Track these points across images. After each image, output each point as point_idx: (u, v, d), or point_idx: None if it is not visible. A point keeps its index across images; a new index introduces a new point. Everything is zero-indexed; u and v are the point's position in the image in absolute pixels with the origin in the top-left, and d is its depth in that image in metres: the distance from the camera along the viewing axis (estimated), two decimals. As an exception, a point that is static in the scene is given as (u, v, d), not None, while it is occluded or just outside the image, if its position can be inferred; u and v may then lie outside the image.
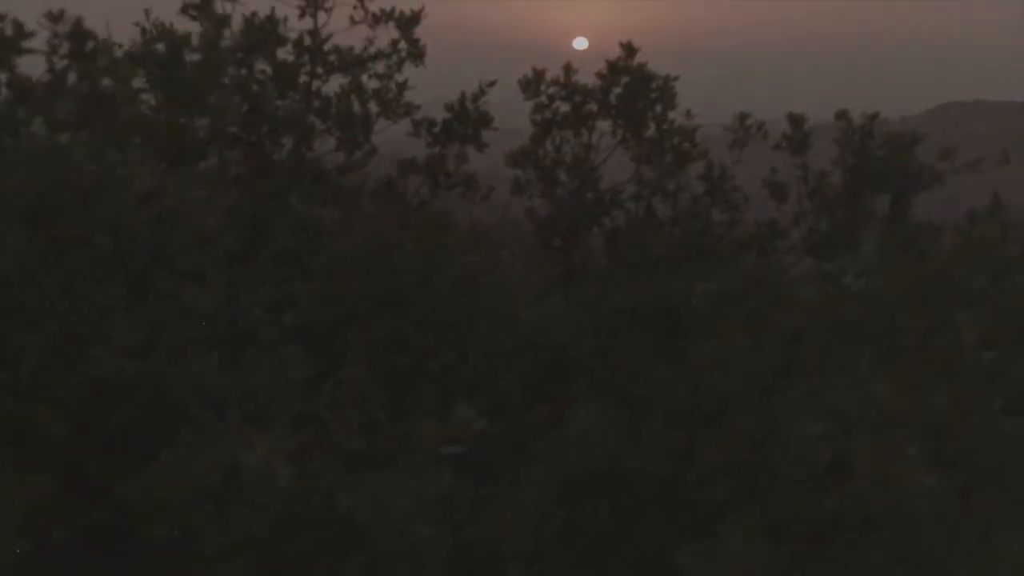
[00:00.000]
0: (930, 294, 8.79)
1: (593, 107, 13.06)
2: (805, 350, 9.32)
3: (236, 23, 12.02)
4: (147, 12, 11.30)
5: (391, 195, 12.96)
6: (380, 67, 13.16)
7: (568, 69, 13.21)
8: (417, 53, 13.33)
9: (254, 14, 12.19)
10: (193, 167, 10.82)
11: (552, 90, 13.13)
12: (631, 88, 12.85)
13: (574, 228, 12.69)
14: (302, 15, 12.57)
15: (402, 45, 13.24)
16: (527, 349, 10.93)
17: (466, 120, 12.98)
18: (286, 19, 12.32)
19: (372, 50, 13.10)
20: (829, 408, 8.27)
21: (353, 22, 12.70)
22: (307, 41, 12.44)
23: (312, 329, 10.30)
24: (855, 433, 8.06)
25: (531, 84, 13.18)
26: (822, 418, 8.19)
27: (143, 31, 10.92)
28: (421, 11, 13.12)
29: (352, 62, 13.04)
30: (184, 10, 11.97)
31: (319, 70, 12.63)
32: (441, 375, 10.41)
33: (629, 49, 12.97)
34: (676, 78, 13.06)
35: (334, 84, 13.15)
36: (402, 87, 13.31)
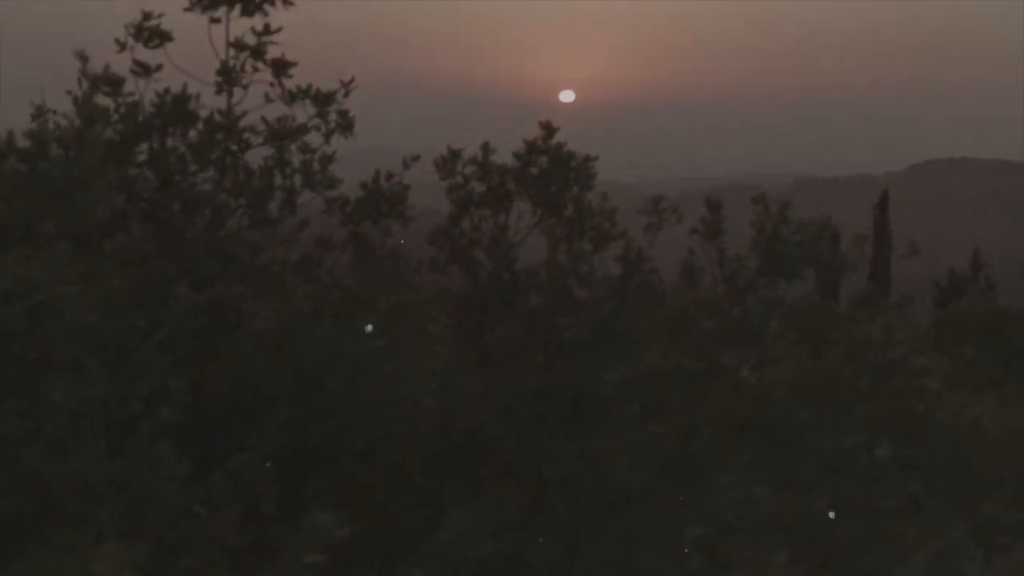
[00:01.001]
0: (819, 394, 8.69)
1: (511, 186, 12.98)
2: (698, 446, 9.21)
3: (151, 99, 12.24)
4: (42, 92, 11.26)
5: (308, 272, 12.86)
6: (311, 139, 13.11)
7: (486, 149, 13.14)
8: (347, 124, 13.25)
9: (167, 90, 12.18)
10: (95, 248, 10.81)
11: (468, 169, 13.06)
12: (549, 168, 12.79)
13: (490, 308, 12.58)
14: (219, 91, 12.51)
15: (332, 117, 13.20)
16: (431, 436, 10.82)
17: (379, 199, 12.88)
18: (199, 96, 12.28)
19: (299, 123, 13.05)
20: (708, 511, 8.15)
21: (268, 99, 12.56)
22: (219, 118, 12.30)
23: (203, 416, 10.16)
24: (732, 536, 7.94)
25: (447, 163, 13.09)
26: (700, 521, 8.08)
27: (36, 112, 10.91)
28: (350, 82, 13.11)
29: (278, 135, 12.98)
30: (96, 88, 11.99)
31: (233, 147, 12.54)
32: (336, 466, 10.27)
33: (548, 129, 12.92)
34: (596, 158, 12.99)
35: (257, 157, 13.11)
36: (327, 159, 13.25)
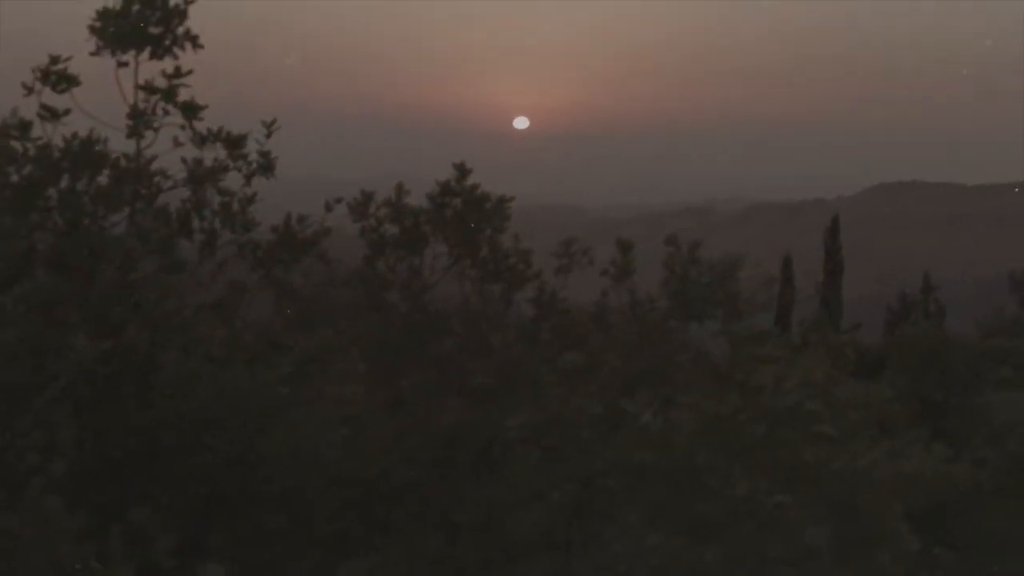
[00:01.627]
0: (718, 440, 8.67)
1: (426, 228, 12.94)
2: (596, 493, 9.17)
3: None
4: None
5: (223, 316, 12.74)
6: (233, 181, 13.03)
7: (399, 190, 13.11)
8: (268, 166, 13.20)
9: (75, 135, 12.06)
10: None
11: (382, 212, 13.02)
12: (463, 210, 12.76)
13: (404, 352, 12.51)
14: (130, 135, 12.40)
15: (253, 157, 13.14)
16: (338, 483, 10.73)
17: (291, 243, 12.79)
18: (106, 139, 12.17)
19: (217, 164, 12.97)
20: (601, 561, 8.11)
21: (177, 143, 12.46)
22: (124, 163, 12.19)
23: (103, 467, 10.04)
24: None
25: (359, 206, 13.03)
26: (593, 572, 8.03)
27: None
28: (272, 123, 13.07)
29: (195, 177, 12.90)
30: (4, 132, 11.88)
31: (144, 190, 12.43)
32: (240, 515, 10.16)
33: (461, 170, 12.91)
34: (511, 199, 12.97)
35: (175, 199, 13.01)
36: (248, 201, 13.17)
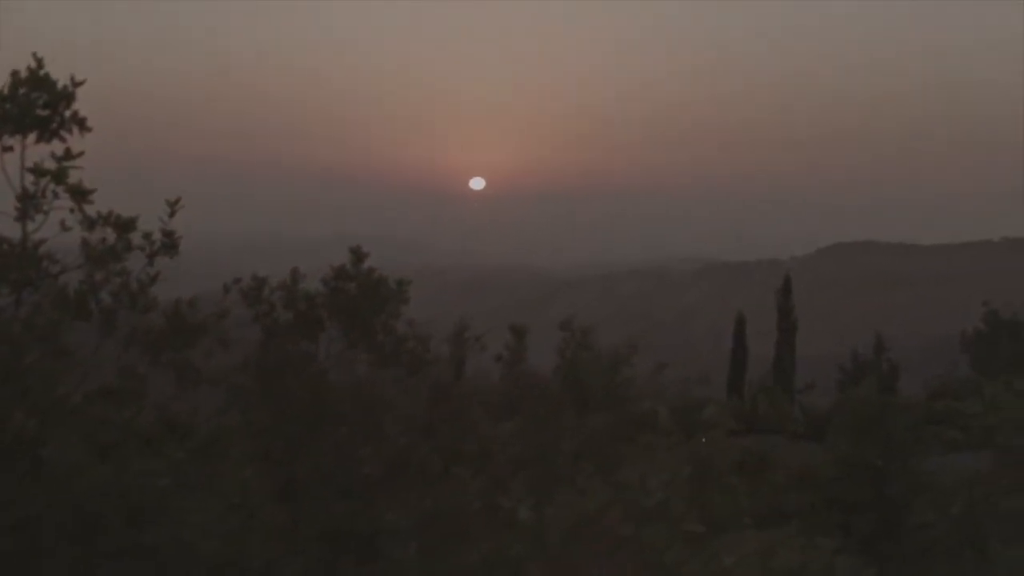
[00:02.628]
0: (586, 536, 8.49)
1: (322, 312, 12.76)
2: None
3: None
4: None
5: (115, 401, 12.49)
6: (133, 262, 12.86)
7: (294, 274, 12.95)
8: (172, 244, 13.04)
9: (-48, 215, 11.84)
10: None
11: (276, 296, 12.84)
12: (358, 294, 12.58)
13: (296, 439, 12.28)
14: (19, 218, 12.19)
15: (156, 237, 12.98)
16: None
17: (181, 327, 12.57)
18: (-9, 222, 11.96)
19: (117, 244, 12.79)
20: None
21: (64, 227, 12.25)
22: (6, 247, 11.98)
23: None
24: None
25: (252, 292, 12.85)
26: None
27: None
28: (176, 202, 12.93)
29: (93, 258, 12.70)
30: None
31: (32, 273, 12.21)
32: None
33: (357, 254, 12.76)
34: (409, 282, 12.83)
35: (73, 279, 12.81)
36: (150, 281, 12.97)
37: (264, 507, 11.29)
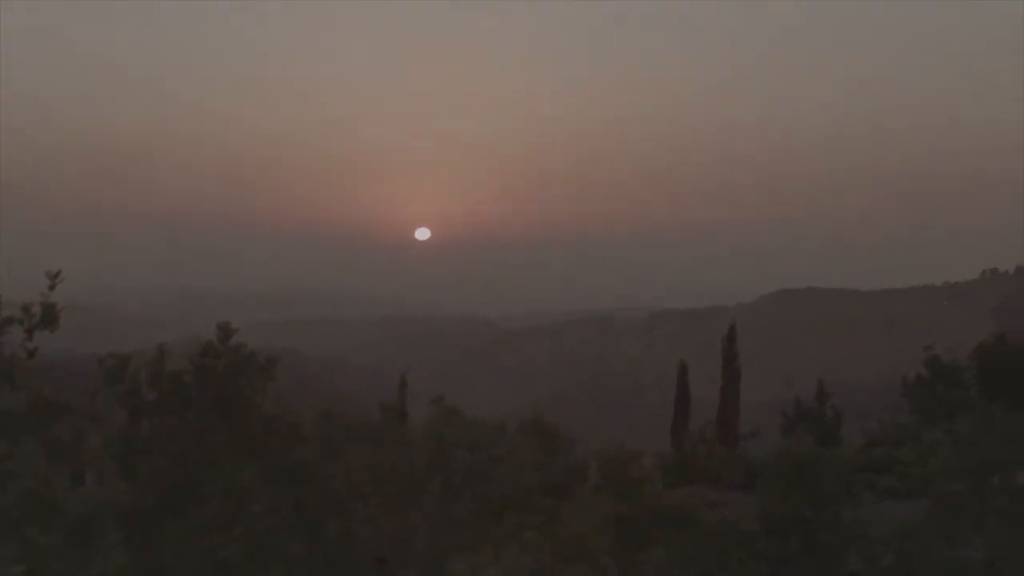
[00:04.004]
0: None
1: (189, 390, 12.46)
2: None
3: None
4: None
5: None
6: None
7: (161, 352, 12.65)
8: (52, 318, 12.75)
9: None
10: None
11: (140, 375, 12.54)
12: (226, 371, 12.30)
13: (161, 521, 11.93)
14: None
15: (35, 310, 12.70)
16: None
17: (43, 407, 12.25)
18: None
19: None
20: None
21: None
22: None
23: None
24: None
25: (116, 372, 12.55)
26: None
27: None
28: (56, 275, 12.69)
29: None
30: None
31: None
32: None
33: (225, 330, 12.49)
34: (278, 359, 12.56)
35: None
36: (30, 355, 12.69)
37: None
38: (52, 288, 12.78)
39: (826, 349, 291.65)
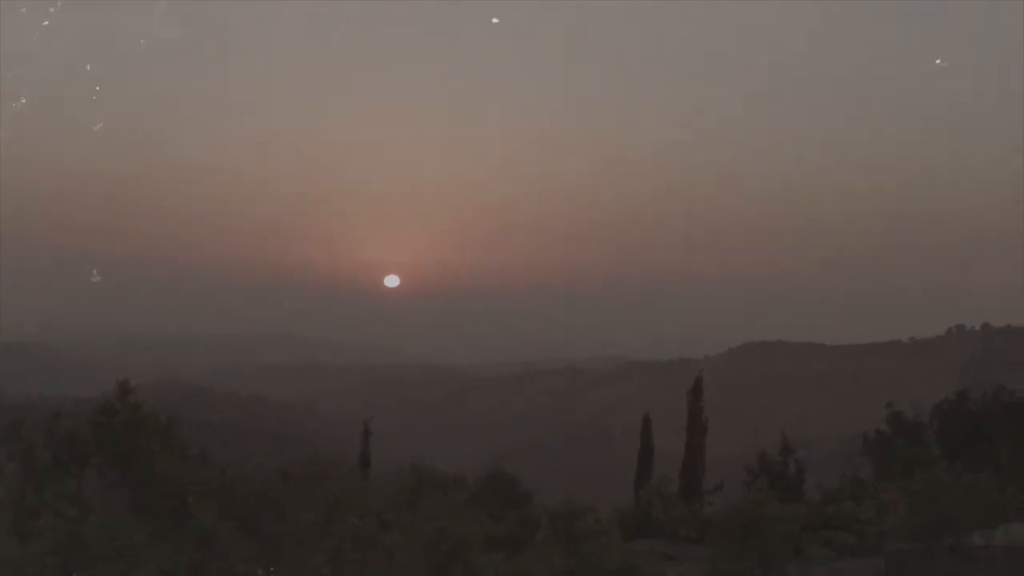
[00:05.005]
0: None
1: (87, 447, 12.12)
2: None
3: None
4: None
5: None
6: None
7: (56, 415, 12.33)
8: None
9: None
10: None
11: (35, 435, 12.21)
12: (124, 428, 11.97)
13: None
14: None
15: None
16: None
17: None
18: None
19: None
20: None
21: None
22: None
23: None
24: None
25: (11, 430, 12.22)
26: None
27: None
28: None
29: None
30: None
31: None
32: None
33: (123, 388, 12.16)
34: (175, 419, 12.25)
35: None
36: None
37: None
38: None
39: (793, 403, 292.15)
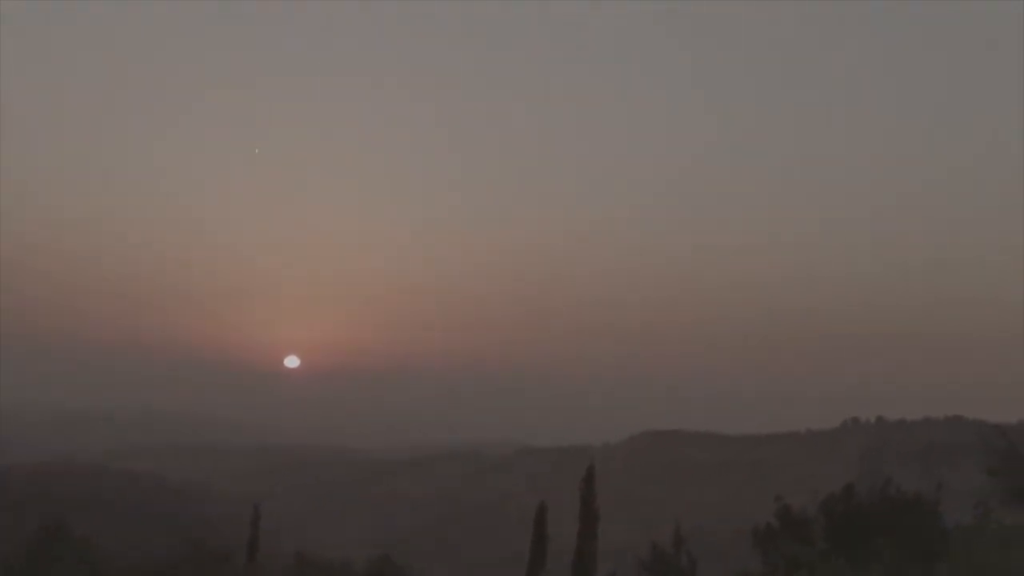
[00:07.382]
0: None
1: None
2: None
3: None
4: None
5: None
6: None
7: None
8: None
9: None
10: None
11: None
12: None
13: None
14: None
15: None
16: None
17: None
18: None
19: None
20: None
21: None
22: None
23: None
24: None
25: None
26: None
27: None
28: None
29: None
30: None
31: None
32: None
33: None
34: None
35: None
36: None
37: None
38: None
39: (690, 492, 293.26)
